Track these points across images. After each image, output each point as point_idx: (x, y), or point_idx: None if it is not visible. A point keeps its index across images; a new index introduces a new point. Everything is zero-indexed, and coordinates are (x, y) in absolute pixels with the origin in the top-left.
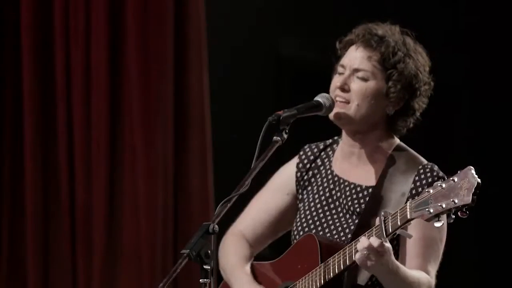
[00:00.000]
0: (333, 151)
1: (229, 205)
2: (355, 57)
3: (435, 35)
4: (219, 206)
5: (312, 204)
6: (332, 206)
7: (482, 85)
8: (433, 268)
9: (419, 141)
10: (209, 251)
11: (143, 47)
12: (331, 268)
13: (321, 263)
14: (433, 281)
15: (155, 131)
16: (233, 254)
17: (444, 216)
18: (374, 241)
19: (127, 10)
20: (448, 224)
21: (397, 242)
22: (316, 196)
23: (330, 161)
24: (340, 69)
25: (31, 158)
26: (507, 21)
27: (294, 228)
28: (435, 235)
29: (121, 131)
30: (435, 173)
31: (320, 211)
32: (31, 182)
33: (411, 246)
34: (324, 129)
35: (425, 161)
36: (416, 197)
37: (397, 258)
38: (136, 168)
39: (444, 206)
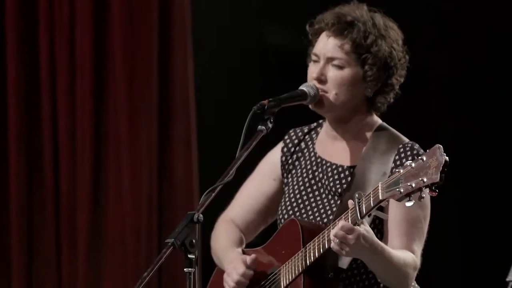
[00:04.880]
0: (317, 133)
1: (213, 194)
2: (327, 45)
3: (417, 21)
4: (203, 195)
5: (296, 187)
6: (315, 187)
7: (462, 69)
8: (418, 247)
9: (401, 124)
10: (194, 241)
11: (128, 34)
12: (311, 252)
13: (302, 248)
14: (418, 260)
15: (140, 120)
16: (225, 238)
17: (417, 195)
18: (346, 227)
19: None
20: (431, 205)
21: (380, 221)
22: (300, 179)
23: (313, 144)
24: (314, 57)
25: (16, 146)
26: (487, 6)
27: (279, 212)
28: (418, 213)
29: (106, 119)
30: (415, 151)
31: (303, 193)
32: (15, 171)
33: (395, 225)
34: (309, 117)
35: (406, 140)
36: (387, 178)
37: (381, 238)
38: (121, 157)
39: (413, 185)
